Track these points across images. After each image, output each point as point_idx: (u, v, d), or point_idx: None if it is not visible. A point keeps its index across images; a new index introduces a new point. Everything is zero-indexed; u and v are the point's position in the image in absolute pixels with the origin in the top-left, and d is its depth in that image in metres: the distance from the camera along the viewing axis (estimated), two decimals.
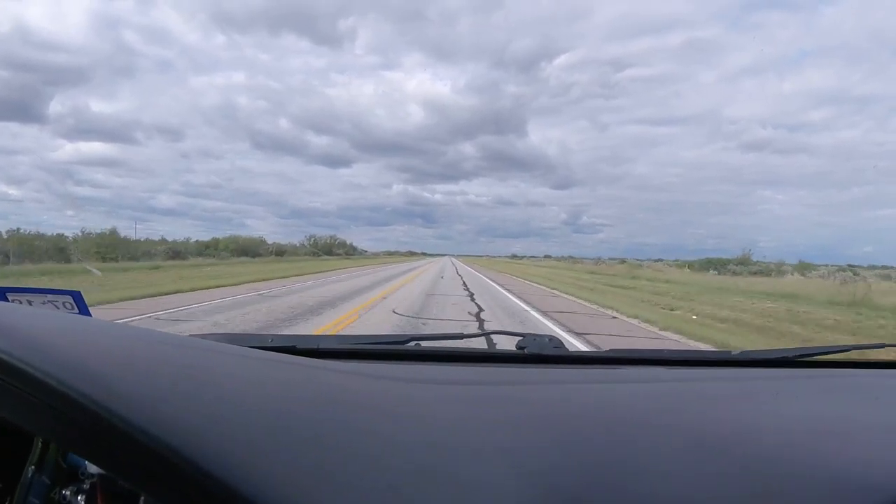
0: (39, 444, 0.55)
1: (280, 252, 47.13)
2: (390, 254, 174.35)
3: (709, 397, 0.67)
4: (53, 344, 0.37)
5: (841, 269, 29.53)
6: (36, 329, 0.41)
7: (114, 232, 31.66)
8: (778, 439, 0.48)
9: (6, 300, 0.71)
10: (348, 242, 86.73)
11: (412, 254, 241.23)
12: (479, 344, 1.21)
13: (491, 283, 17.90)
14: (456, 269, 31.68)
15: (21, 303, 0.73)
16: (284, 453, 0.31)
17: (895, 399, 0.73)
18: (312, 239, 68.16)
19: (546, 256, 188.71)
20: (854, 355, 1.09)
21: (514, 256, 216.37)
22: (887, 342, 1.15)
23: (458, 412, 0.48)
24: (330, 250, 66.59)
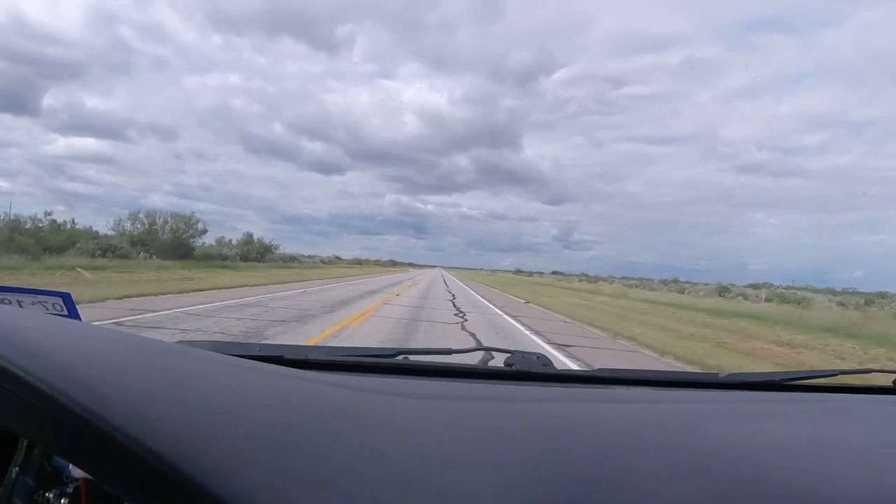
0: (25, 445, 0.55)
1: None
2: (360, 263, 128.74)
3: (695, 418, 0.66)
4: (41, 346, 0.37)
5: None
6: (24, 330, 0.41)
7: None
8: (764, 461, 0.48)
9: None
10: (257, 238, 43.34)
11: (395, 264, 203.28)
12: (468, 359, 1.11)
13: None
14: (462, 318, 10.47)
15: (10, 303, 0.72)
16: (269, 461, 0.31)
17: (882, 423, 0.73)
18: (150, 218, 30.55)
19: (555, 273, 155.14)
20: (841, 380, 1.10)
21: (518, 272, 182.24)
22: (875, 367, 1.19)
23: (445, 426, 0.48)
24: (187, 248, 31.43)
